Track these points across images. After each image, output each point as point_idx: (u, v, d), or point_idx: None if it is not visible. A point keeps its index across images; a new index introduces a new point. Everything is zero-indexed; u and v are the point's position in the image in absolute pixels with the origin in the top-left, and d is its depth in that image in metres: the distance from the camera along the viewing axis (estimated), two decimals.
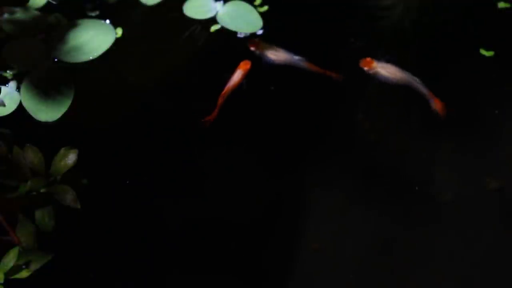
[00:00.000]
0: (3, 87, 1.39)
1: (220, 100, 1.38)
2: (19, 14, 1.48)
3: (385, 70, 1.39)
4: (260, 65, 1.45)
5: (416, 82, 1.39)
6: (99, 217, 1.26)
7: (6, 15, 1.47)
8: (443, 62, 1.49)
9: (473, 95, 1.44)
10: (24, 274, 1.15)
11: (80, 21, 1.48)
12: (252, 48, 1.46)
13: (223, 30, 1.52)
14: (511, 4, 1.57)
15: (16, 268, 1.14)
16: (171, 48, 1.52)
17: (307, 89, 1.44)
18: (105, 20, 1.51)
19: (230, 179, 1.32)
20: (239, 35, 1.51)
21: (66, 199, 1.20)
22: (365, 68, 1.36)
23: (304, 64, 1.43)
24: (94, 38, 1.46)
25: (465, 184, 1.30)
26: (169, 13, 1.55)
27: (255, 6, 1.54)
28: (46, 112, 1.35)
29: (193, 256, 1.23)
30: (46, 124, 1.35)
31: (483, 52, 1.48)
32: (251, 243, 1.24)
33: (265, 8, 1.56)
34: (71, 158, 1.23)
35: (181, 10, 1.54)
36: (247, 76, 1.42)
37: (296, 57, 1.44)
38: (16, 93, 1.39)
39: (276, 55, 1.44)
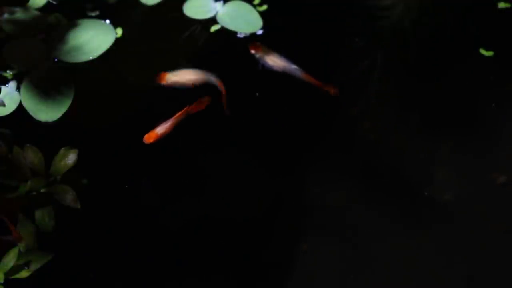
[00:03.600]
0: (3, 87, 1.39)
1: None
2: (19, 14, 1.48)
3: None
4: (260, 69, 1.45)
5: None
6: (99, 217, 1.26)
7: (6, 15, 1.47)
8: (443, 62, 1.49)
9: (473, 95, 1.44)
10: (24, 274, 1.15)
11: (80, 21, 1.48)
12: (253, 51, 1.46)
13: (223, 30, 1.52)
14: (511, 4, 1.57)
15: (16, 268, 1.15)
16: (171, 48, 1.52)
17: (308, 88, 1.43)
18: (105, 20, 1.51)
19: (230, 179, 1.32)
20: (239, 35, 1.51)
21: (66, 199, 1.20)
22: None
23: (300, 74, 1.43)
24: (94, 38, 1.46)
25: (465, 183, 1.30)
26: (169, 13, 1.55)
27: (254, 6, 1.54)
28: (46, 112, 1.35)
29: (192, 256, 1.23)
30: (46, 124, 1.35)
31: (483, 52, 1.48)
32: (251, 243, 1.24)
33: (264, 7, 1.56)
34: (71, 158, 1.23)
35: (181, 10, 1.54)
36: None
37: (294, 66, 1.43)
38: (16, 93, 1.39)
39: (275, 61, 1.44)
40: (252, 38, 1.51)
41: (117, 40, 1.49)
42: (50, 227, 1.20)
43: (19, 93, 1.38)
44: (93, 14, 1.54)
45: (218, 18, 1.53)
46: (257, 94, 1.42)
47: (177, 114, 1.35)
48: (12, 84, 1.40)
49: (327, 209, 1.28)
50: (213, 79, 1.40)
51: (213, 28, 1.53)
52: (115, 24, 1.51)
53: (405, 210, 1.28)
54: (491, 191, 1.29)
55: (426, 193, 1.29)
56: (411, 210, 1.28)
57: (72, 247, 1.22)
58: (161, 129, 1.34)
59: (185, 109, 1.36)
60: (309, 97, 1.43)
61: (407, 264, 1.21)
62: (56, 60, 1.43)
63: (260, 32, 1.51)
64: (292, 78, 1.43)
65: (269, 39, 1.50)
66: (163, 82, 1.40)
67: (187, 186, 1.31)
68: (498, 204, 1.28)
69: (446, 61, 1.49)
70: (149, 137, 1.34)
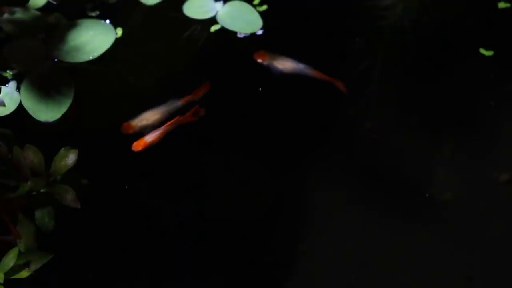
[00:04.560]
0: (3, 87, 1.39)
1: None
2: (19, 14, 1.48)
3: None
4: (269, 75, 1.44)
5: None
6: (99, 217, 1.26)
7: (6, 15, 1.47)
8: (443, 62, 1.49)
9: (473, 95, 1.44)
10: (24, 274, 1.15)
11: (80, 21, 1.48)
12: (259, 60, 1.46)
13: (223, 30, 1.52)
14: (511, 4, 1.57)
15: (16, 268, 1.14)
16: (171, 48, 1.52)
17: (307, 88, 1.43)
18: (105, 20, 1.51)
19: (231, 179, 1.32)
20: (239, 35, 1.51)
21: (66, 199, 1.20)
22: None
23: (311, 72, 1.43)
24: (94, 38, 1.46)
25: (467, 182, 1.31)
26: (169, 13, 1.55)
27: (254, 6, 1.54)
28: (46, 112, 1.35)
29: (192, 256, 1.23)
30: (46, 124, 1.35)
31: (483, 51, 1.48)
32: (251, 243, 1.24)
33: (264, 7, 1.56)
34: (71, 158, 1.23)
35: (181, 10, 1.54)
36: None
37: (303, 66, 1.43)
38: (16, 93, 1.39)
39: (283, 64, 1.44)
40: (252, 38, 1.51)
41: (117, 40, 1.49)
42: (50, 227, 1.20)
43: (19, 93, 1.38)
44: (93, 14, 1.54)
45: (218, 18, 1.53)
46: (260, 89, 1.42)
47: (168, 123, 1.35)
48: (12, 84, 1.40)
49: (327, 209, 1.28)
50: (177, 104, 1.39)
51: (213, 28, 1.53)
52: (115, 24, 1.51)
53: (407, 210, 1.28)
54: (493, 189, 1.29)
55: (428, 193, 1.29)
56: (412, 210, 1.28)
57: (72, 247, 1.22)
58: (150, 137, 1.33)
59: (176, 118, 1.35)
60: (309, 97, 1.43)
61: (409, 264, 1.21)
62: (56, 60, 1.43)
63: (260, 32, 1.51)
64: (303, 77, 1.42)
65: (269, 39, 1.50)
66: (131, 131, 1.35)
67: (187, 186, 1.31)
68: (501, 202, 1.28)
69: (446, 61, 1.49)
70: (138, 145, 1.32)
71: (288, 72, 1.43)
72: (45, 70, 1.41)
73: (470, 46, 1.50)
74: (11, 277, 1.14)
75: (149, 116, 1.36)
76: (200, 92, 1.40)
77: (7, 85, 1.40)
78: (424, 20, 1.56)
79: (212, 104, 1.40)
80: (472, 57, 1.48)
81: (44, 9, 1.52)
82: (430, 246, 1.23)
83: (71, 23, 1.48)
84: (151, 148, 1.34)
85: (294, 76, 1.43)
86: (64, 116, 1.36)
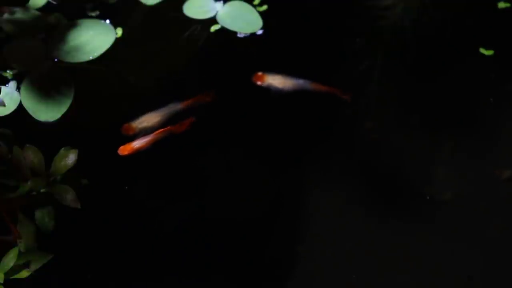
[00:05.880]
0: (3, 87, 1.39)
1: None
2: (19, 14, 1.48)
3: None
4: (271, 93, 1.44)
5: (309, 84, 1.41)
6: (99, 217, 1.26)
7: (6, 15, 1.47)
8: (443, 62, 1.49)
9: (474, 94, 1.44)
10: (24, 274, 1.15)
11: (80, 21, 1.48)
12: (258, 82, 1.44)
13: (223, 30, 1.52)
14: (511, 4, 1.57)
15: (16, 268, 1.14)
16: (171, 48, 1.52)
17: (307, 89, 1.43)
18: (105, 20, 1.51)
19: (230, 179, 1.32)
20: (239, 35, 1.51)
21: (66, 199, 1.20)
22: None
23: (311, 86, 1.42)
24: (94, 38, 1.46)
25: (469, 180, 1.31)
26: (169, 13, 1.55)
27: (254, 6, 1.54)
28: (46, 112, 1.36)
29: (192, 256, 1.22)
30: (46, 124, 1.35)
31: (483, 51, 1.48)
32: (251, 243, 1.24)
33: (264, 7, 1.56)
34: (71, 158, 1.23)
35: (181, 10, 1.54)
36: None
37: (302, 81, 1.43)
38: (16, 93, 1.39)
39: (283, 83, 1.43)
40: (252, 38, 1.51)
41: (117, 40, 1.49)
42: (50, 227, 1.20)
43: (19, 93, 1.38)
44: (93, 14, 1.54)
45: (218, 18, 1.53)
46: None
47: (159, 131, 1.34)
48: (12, 84, 1.40)
49: (327, 209, 1.28)
50: (178, 107, 1.39)
51: (213, 28, 1.53)
52: (115, 24, 1.51)
53: (407, 210, 1.28)
54: (493, 189, 1.29)
55: (428, 192, 1.29)
56: (412, 210, 1.28)
57: (72, 247, 1.22)
58: (138, 143, 1.32)
59: (167, 127, 1.35)
60: (309, 97, 1.43)
61: (409, 264, 1.21)
62: (56, 60, 1.43)
63: (260, 32, 1.51)
64: (304, 92, 1.42)
65: (269, 39, 1.50)
66: (131, 133, 1.35)
67: (188, 186, 1.31)
68: (501, 201, 1.27)
69: (446, 61, 1.49)
70: (124, 149, 1.32)
71: (289, 89, 1.42)
72: (45, 70, 1.41)
73: (470, 45, 1.50)
74: (11, 277, 1.14)
75: (150, 118, 1.36)
76: (203, 99, 1.40)
77: (7, 85, 1.40)
78: (424, 20, 1.56)
79: (213, 104, 1.40)
80: (472, 56, 1.48)
81: (44, 9, 1.52)
82: (430, 246, 1.23)
83: (71, 23, 1.48)
84: (151, 148, 1.34)
85: (296, 92, 1.42)
86: (64, 116, 1.36)
